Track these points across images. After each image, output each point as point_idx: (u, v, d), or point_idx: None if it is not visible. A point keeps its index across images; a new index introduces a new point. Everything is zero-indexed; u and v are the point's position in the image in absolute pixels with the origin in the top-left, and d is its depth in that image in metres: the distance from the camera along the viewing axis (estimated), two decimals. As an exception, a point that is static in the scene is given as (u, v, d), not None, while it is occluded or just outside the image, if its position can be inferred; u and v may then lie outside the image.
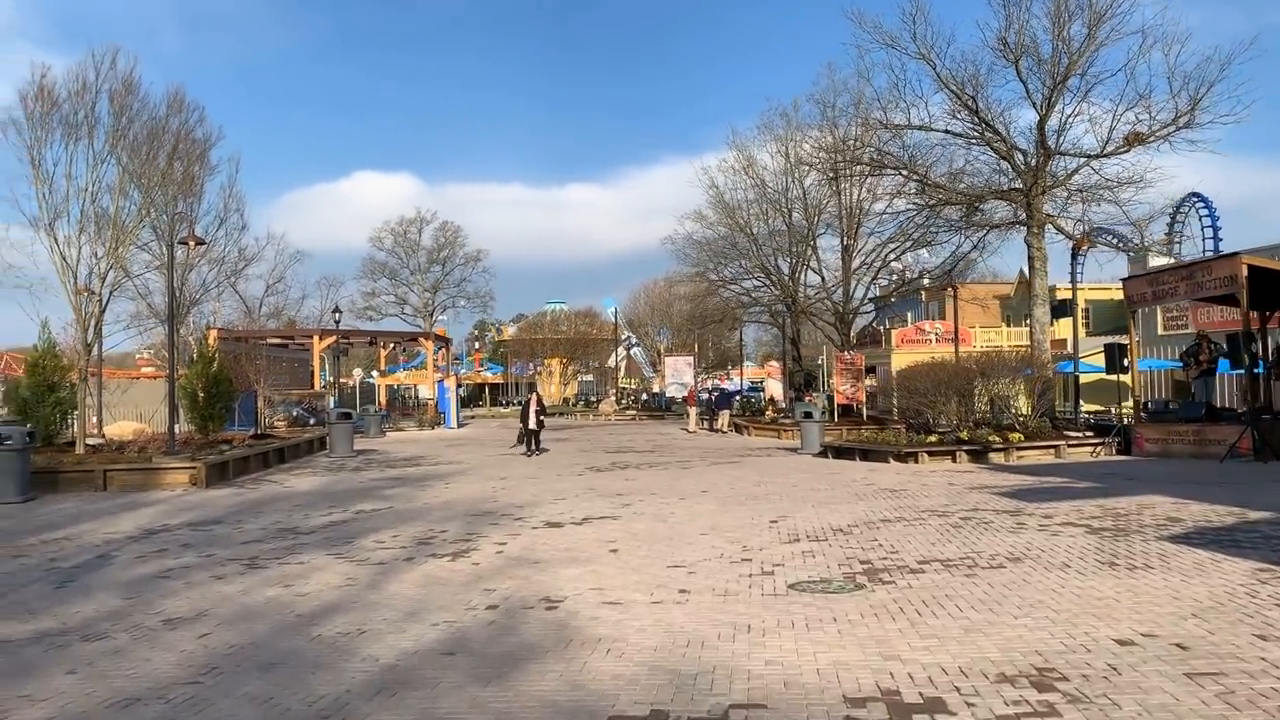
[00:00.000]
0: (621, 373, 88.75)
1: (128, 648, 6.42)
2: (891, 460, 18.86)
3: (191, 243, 17.10)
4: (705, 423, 35.96)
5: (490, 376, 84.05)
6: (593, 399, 72.32)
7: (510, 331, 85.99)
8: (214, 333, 30.36)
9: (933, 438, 20.03)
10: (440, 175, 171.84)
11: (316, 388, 39.48)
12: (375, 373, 76.80)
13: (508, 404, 71.26)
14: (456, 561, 9.32)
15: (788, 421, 32.78)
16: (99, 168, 18.44)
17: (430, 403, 44.06)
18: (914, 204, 28.72)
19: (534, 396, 23.74)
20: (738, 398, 44.11)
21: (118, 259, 18.66)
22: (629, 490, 15.00)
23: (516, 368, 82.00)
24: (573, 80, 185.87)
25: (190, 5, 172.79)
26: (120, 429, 23.87)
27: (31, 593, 8.37)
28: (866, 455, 19.95)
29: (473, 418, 53.32)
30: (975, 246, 30.17)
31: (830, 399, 33.34)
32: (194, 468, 16.12)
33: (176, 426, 19.23)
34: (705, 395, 42.82)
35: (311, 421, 33.09)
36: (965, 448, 18.92)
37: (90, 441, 19.32)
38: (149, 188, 19.48)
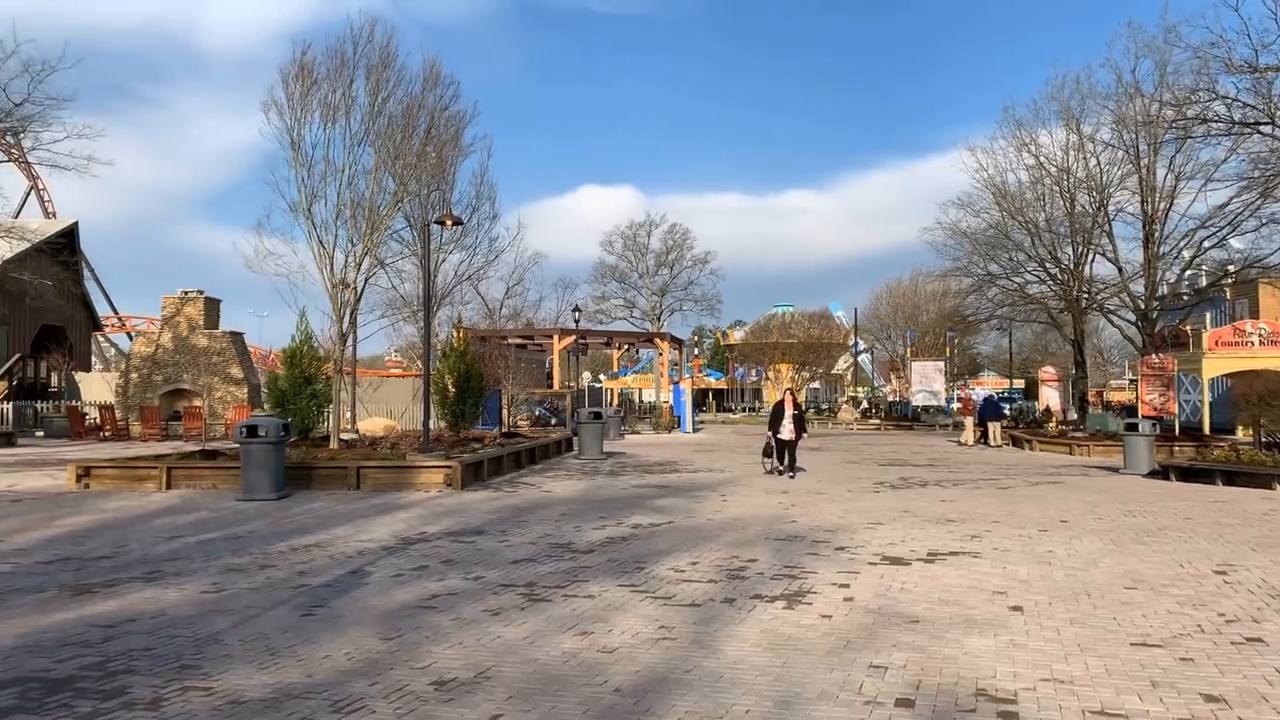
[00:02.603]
0: (848, 379, 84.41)
1: (392, 736, 4.38)
2: (1278, 486, 14.77)
3: (449, 222, 15.92)
4: (979, 435, 31.97)
5: (713, 382, 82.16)
6: (824, 406, 68.68)
7: (737, 336, 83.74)
8: (458, 331, 29.91)
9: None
10: (659, 186, 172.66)
11: (556, 387, 38.70)
12: (602, 376, 77.09)
13: (738, 410, 69.01)
14: (795, 610, 6.85)
15: (1080, 435, 28.37)
16: (355, 149, 17.66)
17: (665, 406, 42.42)
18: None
19: (789, 397, 17.73)
20: (1007, 408, 39.44)
21: (372, 244, 17.81)
22: (957, 515, 12.05)
23: (738, 372, 79.64)
24: (791, 85, 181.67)
25: (422, 24, 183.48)
26: (372, 425, 23.42)
27: (274, 621, 6.67)
28: (1233, 479, 15.87)
29: (702, 423, 51.39)
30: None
31: (1128, 409, 28.50)
32: (449, 467, 14.70)
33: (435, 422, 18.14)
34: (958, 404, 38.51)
35: (553, 421, 32.06)
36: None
37: (344, 436, 18.56)
38: (402, 171, 18.54)
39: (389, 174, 18.71)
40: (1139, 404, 28.14)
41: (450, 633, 6.28)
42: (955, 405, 43.03)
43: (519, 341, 42.04)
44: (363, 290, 18.51)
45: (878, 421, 49.90)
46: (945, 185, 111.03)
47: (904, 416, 50.60)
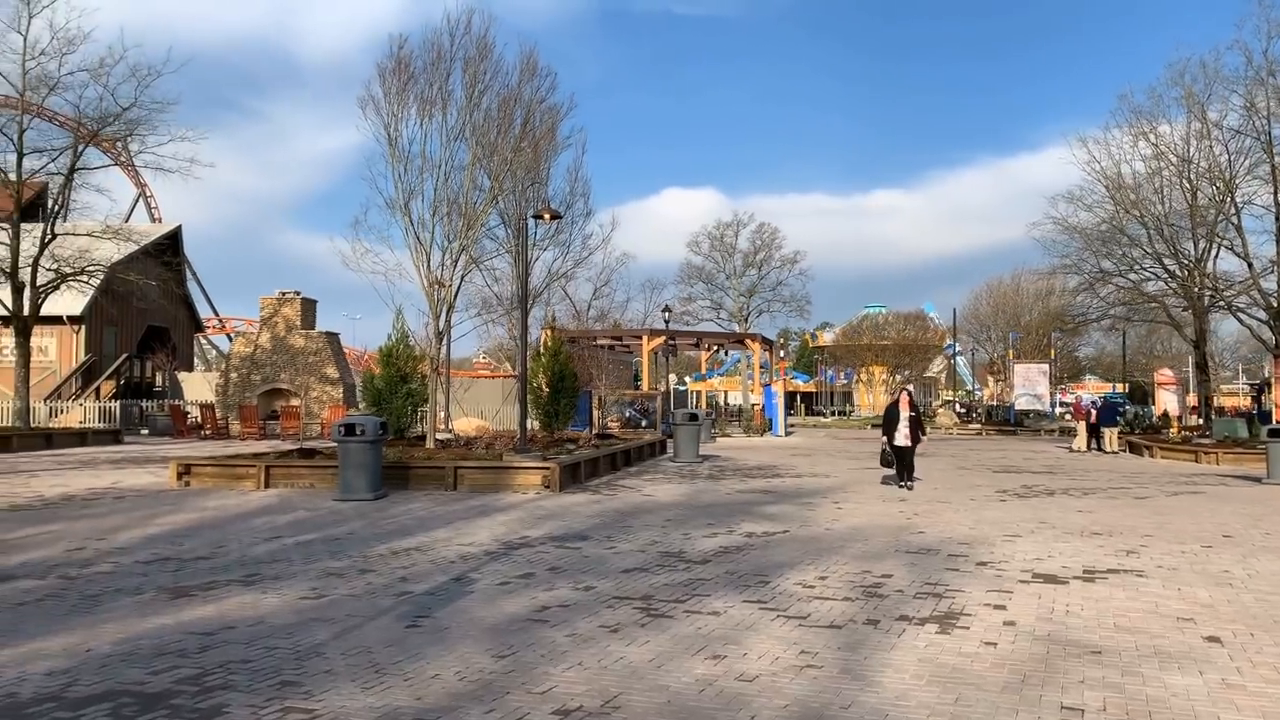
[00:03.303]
0: (942, 382, 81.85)
1: (518, 780, 3.79)
2: None
3: (546, 216, 15.48)
4: (1090, 441, 30.23)
5: (800, 385, 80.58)
6: (919, 410, 66.65)
7: (826, 338, 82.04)
8: (548, 331, 29.60)
9: None
10: (742, 187, 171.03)
11: (646, 388, 38.18)
12: (687, 378, 76.26)
13: (828, 413, 67.53)
14: (951, 635, 6.06)
15: (1206, 441, 26.53)
16: (452, 145, 17.36)
17: (756, 408, 41.48)
18: None
19: (905, 398, 15.71)
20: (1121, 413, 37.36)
21: (469, 241, 17.49)
22: (1101, 528, 11.01)
23: (827, 374, 77.92)
24: (876, 85, 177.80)
25: (507, 27, 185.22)
26: (465, 425, 23.19)
27: (377, 633, 6.18)
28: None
29: (793, 427, 50.25)
30: None
31: (1264, 415, 26.53)
32: (547, 469, 14.21)
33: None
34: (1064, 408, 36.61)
35: (643, 423, 31.50)
36: None
37: (439, 436, 18.29)
38: (498, 167, 18.18)
39: (483, 171, 18.38)
40: (1274, 408, 26.14)
41: (567, 651, 5.68)
42: (1059, 410, 41.06)
43: (607, 342, 41.62)
44: (458, 288, 18.20)
45: (978, 426, 48.03)
46: (1042, 182, 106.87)
47: (1006, 421, 48.62)
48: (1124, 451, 28.80)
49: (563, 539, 9.98)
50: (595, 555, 8.99)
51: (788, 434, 39.23)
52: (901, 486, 14.95)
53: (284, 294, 35.86)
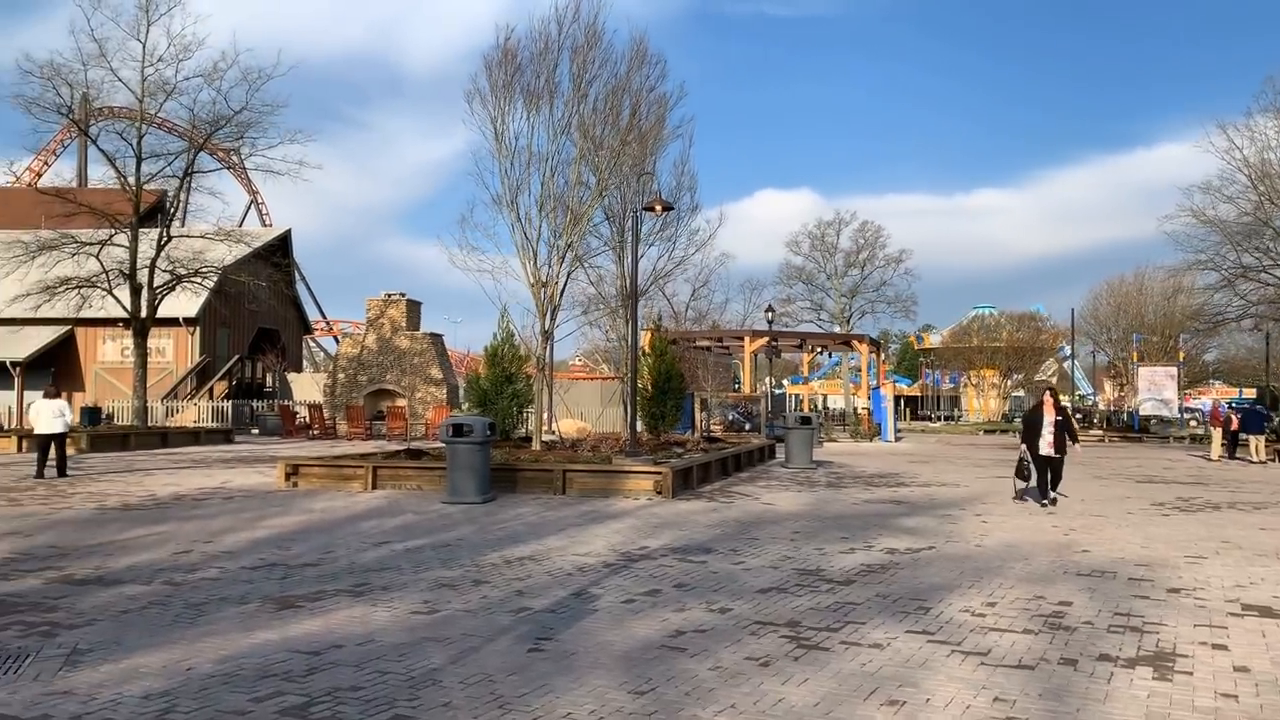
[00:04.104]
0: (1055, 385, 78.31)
1: None
2: None
3: (658, 207, 14.78)
4: (1225, 448, 27.96)
5: (903, 388, 78.05)
6: (1068, 413, 63.64)
7: (932, 339, 79.35)
8: (650, 332, 28.95)
9: None
10: (838, 188, 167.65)
11: (747, 391, 37.21)
12: (785, 381, 74.64)
13: (934, 418, 65.22)
14: (1172, 681, 5.07)
15: (1372, 452, 24.18)
16: (558, 138, 16.83)
17: (863, 412, 40.03)
18: None
19: (1049, 400, 13.58)
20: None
21: (575, 236, 16.92)
22: (1292, 547, 9.68)
23: (932, 378, 75.31)
24: (977, 82, 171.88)
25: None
26: (568, 426, 22.69)
27: (497, 657, 5.52)
28: None
29: (900, 432, 48.45)
30: None
31: None
32: (659, 473, 13.49)
33: (625, 426, 17.10)
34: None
35: (747, 427, 30.56)
36: None
37: (544, 438, 17.79)
38: (606, 160, 17.57)
39: (588, 167, 17.79)
40: None
41: (714, 689, 4.91)
42: (1188, 416, 38.38)
43: (706, 344, 40.82)
44: (564, 286, 17.67)
45: (1099, 433, 45.45)
46: (1160, 177, 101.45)
47: (1129, 427, 45.88)
48: (1273, 461, 26.56)
49: (684, 551, 9.22)
50: (724, 571, 8.20)
51: (897, 439, 37.69)
52: (1044, 504, 12.98)
53: (389, 295, 36.17)
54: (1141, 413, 46.21)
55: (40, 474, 16.35)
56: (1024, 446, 13.54)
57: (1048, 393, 13.80)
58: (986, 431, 49.70)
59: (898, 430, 42.34)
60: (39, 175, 50.05)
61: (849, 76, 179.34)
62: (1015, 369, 64.41)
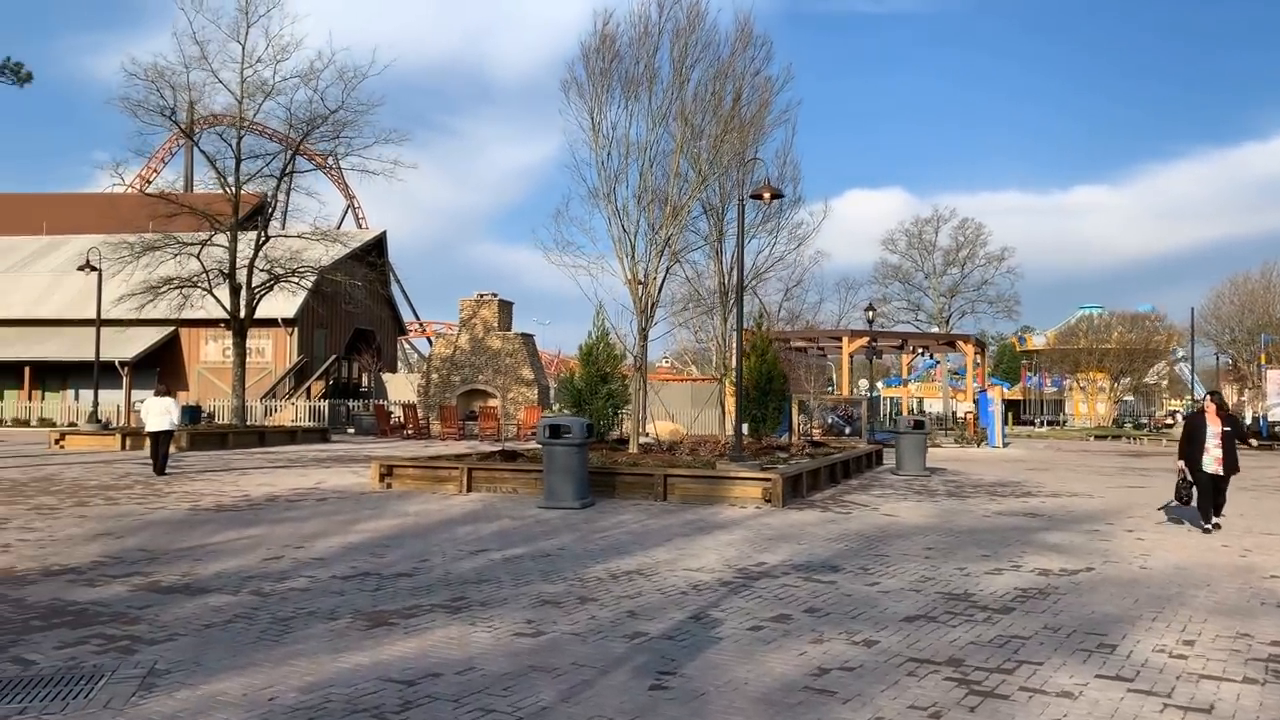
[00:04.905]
0: (1164, 390, 74.20)
1: None
2: None
3: (766, 195, 13.89)
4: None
5: (1003, 392, 74.85)
6: (1142, 421, 60.46)
7: (1036, 341, 76.14)
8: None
9: None
10: (929, 187, 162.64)
11: (844, 394, 35.91)
12: (879, 384, 72.41)
13: (1038, 422, 62.43)
14: None
15: None
16: (656, 128, 16.09)
17: (969, 416, 38.30)
18: None
19: (1210, 406, 11.33)
20: None
21: (676, 228, 16.16)
22: None
23: (1031, 380, 72.12)
24: (1073, 76, 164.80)
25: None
26: (662, 428, 21.95)
27: (614, 694, 4.77)
28: None
29: (1008, 438, 46.30)
30: None
31: None
32: (768, 480, 12.59)
33: (721, 428, 16.25)
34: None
35: (847, 431, 29.34)
36: None
37: (641, 440, 17.07)
38: (707, 149, 16.77)
39: (685, 158, 17.01)
40: None
41: (882, 748, 4.05)
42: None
43: (801, 344, 39.63)
44: (663, 281, 16.92)
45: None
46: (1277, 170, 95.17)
47: (1258, 433, 42.89)
48: None
49: (808, 568, 8.34)
50: (859, 594, 7.30)
51: (1005, 445, 35.88)
52: (1207, 529, 10.77)
53: (482, 296, 36.06)
54: (1270, 418, 43.21)
55: (160, 470, 16.40)
56: (1182, 463, 11.20)
57: (1209, 398, 11.58)
58: (1097, 437, 47.19)
59: (1005, 435, 40.44)
60: (147, 183, 51.76)
61: (939, 73, 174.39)
62: (1127, 371, 61.17)
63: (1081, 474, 20.45)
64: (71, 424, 33.54)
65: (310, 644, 5.75)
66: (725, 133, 16.31)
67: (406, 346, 67.59)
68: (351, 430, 34.96)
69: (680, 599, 7.07)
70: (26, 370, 39.31)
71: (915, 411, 57.63)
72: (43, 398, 39.91)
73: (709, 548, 9.37)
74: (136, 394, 33.13)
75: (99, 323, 27.25)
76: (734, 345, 15.69)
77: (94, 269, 25.80)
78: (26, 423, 38.36)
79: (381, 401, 38.05)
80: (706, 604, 6.90)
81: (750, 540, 9.88)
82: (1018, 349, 78.68)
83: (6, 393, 40.60)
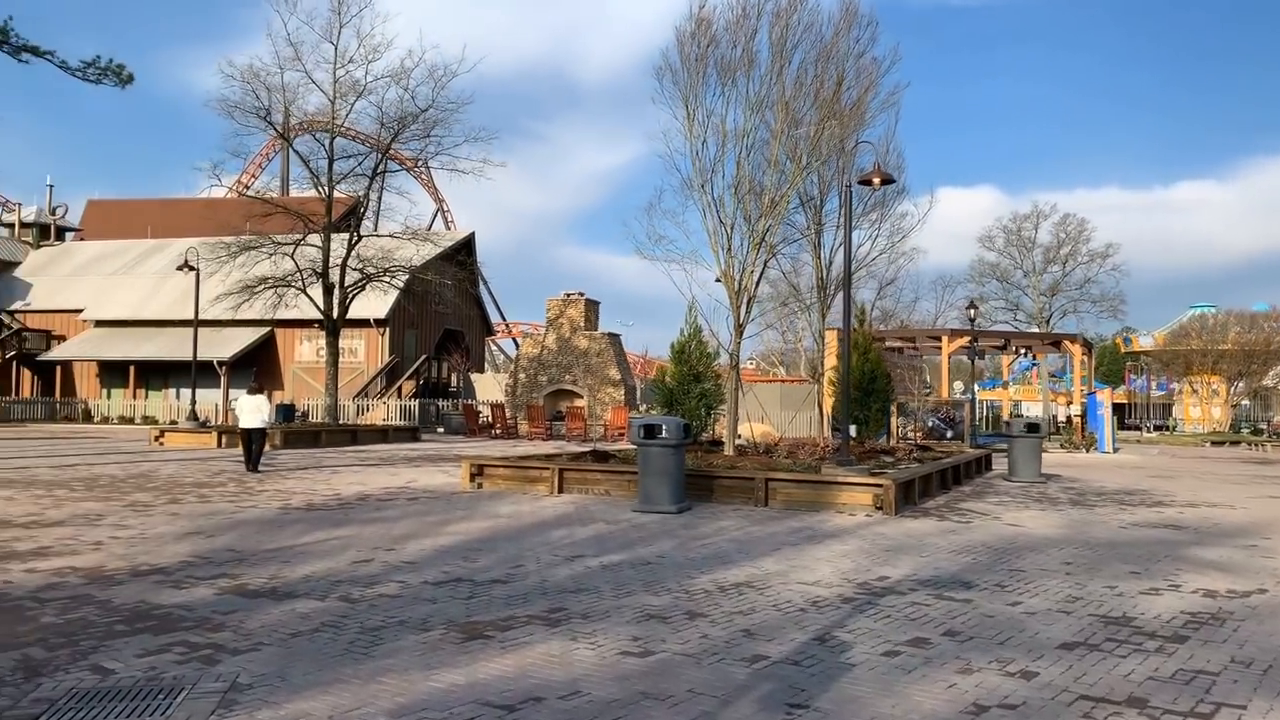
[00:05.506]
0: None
1: None
2: None
3: (876, 181, 13.06)
4: None
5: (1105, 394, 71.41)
6: (1260, 426, 57.06)
7: (1143, 342, 72.60)
8: (833, 333, 27.06)
9: None
10: (1023, 185, 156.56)
11: (943, 395, 34.54)
12: (976, 386, 69.99)
13: (1146, 427, 59.43)
14: None
15: None
16: (753, 115, 15.39)
17: (1077, 420, 36.47)
18: None
19: None
20: None
21: (775, 219, 15.44)
22: None
23: (1134, 382, 68.71)
24: (1179, 66, 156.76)
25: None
26: (757, 429, 21.21)
27: (746, 735, 4.14)
28: None
29: (1118, 443, 44.02)
30: None
31: None
32: (880, 486, 11.78)
33: (819, 430, 15.45)
34: None
35: (948, 435, 28.10)
36: None
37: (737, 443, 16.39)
38: (803, 140, 16.01)
39: (783, 146, 16.26)
40: None
41: (1077, 814, 3.32)
42: None
43: (896, 344, 38.35)
44: (760, 275, 16.21)
45: (1358, 447, 39.75)
46: None
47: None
48: None
49: (936, 584, 7.57)
50: (1001, 615, 6.51)
51: (1115, 450, 34.01)
52: None
53: (569, 295, 35.84)
54: None
55: (252, 467, 16.48)
56: None
57: None
58: (1214, 443, 44.54)
59: (1114, 440, 38.40)
60: (246, 188, 53.22)
61: (1033, 69, 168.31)
62: (1244, 374, 57.77)
63: (1210, 482, 18.99)
64: (172, 422, 34.45)
65: (401, 658, 5.28)
66: (826, 119, 15.50)
67: (493, 347, 68.13)
68: (441, 429, 35.09)
69: (799, 617, 6.40)
70: (132, 369, 40.65)
71: (1014, 414, 55.43)
72: (146, 396, 41.21)
73: (822, 559, 8.66)
74: (233, 393, 33.83)
75: (196, 322, 27.81)
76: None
77: (191, 268, 26.31)
78: (131, 420, 39.64)
79: (470, 401, 38.14)
80: (830, 623, 6.22)
81: (866, 551, 9.13)
82: (1122, 350, 75.18)
83: (114, 391, 42.08)
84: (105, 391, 42.49)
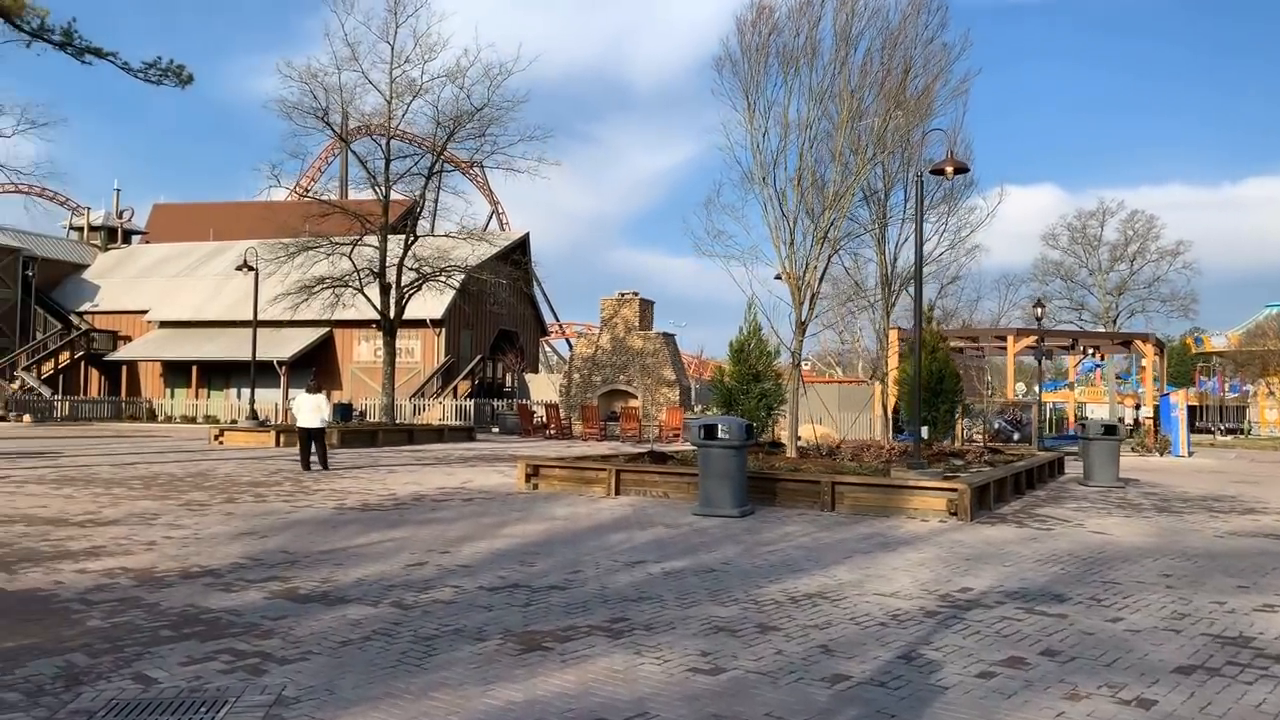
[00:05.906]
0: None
1: None
2: None
3: (949, 170, 12.50)
4: None
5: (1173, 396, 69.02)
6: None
7: (1215, 343, 70.13)
8: (895, 331, 26.31)
9: None
10: (1084, 182, 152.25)
11: (1009, 397, 33.52)
12: (1038, 387, 68.23)
13: (1217, 430, 57.28)
14: None
15: None
16: (815, 106, 14.88)
17: (1148, 423, 35.14)
18: None
19: None
20: None
21: (840, 212, 14.91)
22: None
23: (1208, 385, 66.30)
24: (1255, 57, 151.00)
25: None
26: (819, 431, 20.65)
27: (836, 769, 3.71)
28: None
29: (1192, 447, 42.36)
30: None
31: None
32: (954, 490, 11.20)
33: (883, 432, 14.86)
34: None
35: (1015, 437, 27.18)
36: None
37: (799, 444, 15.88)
38: (865, 134, 15.45)
39: (845, 138, 15.71)
40: None
41: None
42: None
43: (959, 344, 37.34)
44: (824, 271, 15.68)
45: None
46: None
47: None
48: None
49: (1024, 596, 7.04)
50: (1102, 632, 5.98)
51: (1189, 454, 32.67)
52: None
53: (623, 295, 35.54)
54: None
55: (305, 466, 16.42)
56: None
57: None
58: (1292, 449, 42.67)
59: (1189, 444, 36.93)
60: (305, 191, 53.92)
61: (1095, 64, 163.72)
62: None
63: (1300, 488, 17.96)
64: (233, 421, 34.89)
65: (456, 670, 4.95)
66: (893, 109, 14.93)
67: (547, 348, 68.15)
68: (496, 429, 35.03)
69: (880, 632, 5.94)
70: (194, 369, 41.34)
71: (1082, 417, 53.77)
72: (208, 396, 41.89)
73: (898, 568, 8.17)
74: (292, 392, 34.13)
75: (255, 321, 28.05)
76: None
77: (250, 269, 26.51)
78: (193, 420, 40.29)
79: (525, 401, 38.04)
80: (914, 639, 5.75)
81: (944, 560, 8.61)
82: (1192, 350, 72.72)
83: (177, 391, 42.84)
84: (169, 391, 43.29)
